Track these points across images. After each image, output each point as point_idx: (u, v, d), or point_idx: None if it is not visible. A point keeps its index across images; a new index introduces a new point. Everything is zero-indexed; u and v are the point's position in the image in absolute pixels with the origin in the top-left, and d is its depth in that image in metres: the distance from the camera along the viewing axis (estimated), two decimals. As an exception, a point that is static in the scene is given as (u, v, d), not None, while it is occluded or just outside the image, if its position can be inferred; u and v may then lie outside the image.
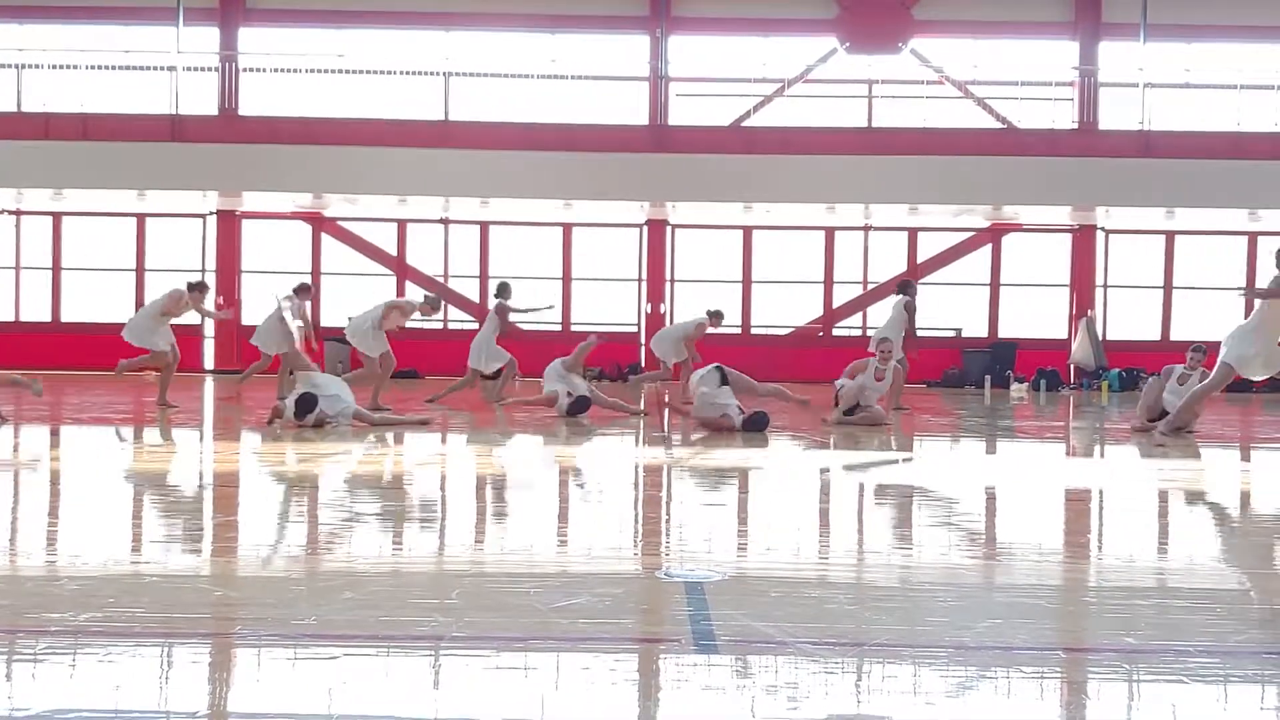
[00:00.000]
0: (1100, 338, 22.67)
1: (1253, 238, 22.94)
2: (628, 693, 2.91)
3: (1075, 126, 22.44)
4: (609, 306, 23.28)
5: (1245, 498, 7.33)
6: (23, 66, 22.49)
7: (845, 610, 3.77)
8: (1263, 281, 11.02)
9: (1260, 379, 10.51)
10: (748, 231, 23.40)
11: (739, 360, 21.96)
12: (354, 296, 23.31)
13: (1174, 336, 22.37)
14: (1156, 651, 3.35)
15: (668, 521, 5.81)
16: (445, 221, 23.42)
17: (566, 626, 3.48)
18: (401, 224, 23.37)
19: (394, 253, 23.44)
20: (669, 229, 23.27)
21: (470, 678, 3.03)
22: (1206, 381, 10.57)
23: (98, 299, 23.15)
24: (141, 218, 23.30)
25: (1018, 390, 21.09)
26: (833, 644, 3.29)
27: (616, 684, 2.97)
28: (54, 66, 22.25)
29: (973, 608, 3.85)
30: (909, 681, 3.01)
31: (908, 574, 4.54)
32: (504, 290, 15.75)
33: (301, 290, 15.93)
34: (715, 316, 16.11)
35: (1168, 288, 22.89)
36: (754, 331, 23.48)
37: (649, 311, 21.40)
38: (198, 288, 14.33)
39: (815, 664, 3.09)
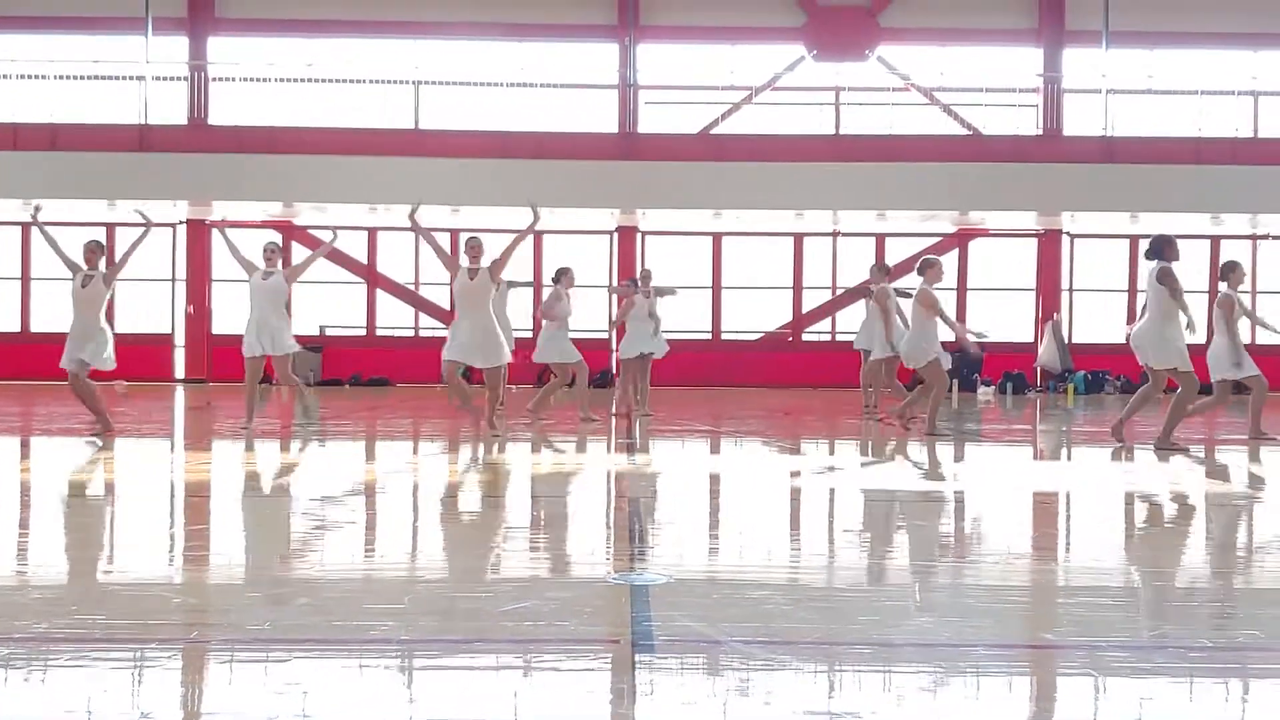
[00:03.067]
0: (1066, 341, 22.93)
1: (1215, 241, 23.25)
2: (566, 692, 3.04)
3: (1040, 133, 22.72)
4: (581, 314, 23.37)
5: (1198, 499, 7.51)
6: (-9, 76, 22.46)
7: (781, 610, 3.91)
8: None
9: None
10: (717, 238, 23.58)
11: (709, 365, 22.25)
12: (325, 305, 23.43)
13: (1138, 339, 22.66)
14: (1071, 647, 3.51)
15: (621, 527, 5.94)
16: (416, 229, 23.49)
17: (512, 629, 3.61)
18: (372, 232, 23.45)
19: (364, 261, 23.51)
20: (640, 235, 23.41)
21: (413, 680, 3.16)
22: (1180, 392, 10.47)
23: (68, 309, 23.12)
24: (111, 227, 23.26)
25: (985, 393, 21.33)
26: (764, 642, 3.43)
27: (556, 684, 3.10)
28: (22, 76, 22.24)
29: (905, 608, 4.00)
30: (833, 677, 3.15)
31: (849, 575, 4.69)
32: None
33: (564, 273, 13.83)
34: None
35: (1132, 291, 23.14)
36: (724, 337, 23.65)
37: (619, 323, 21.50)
38: (564, 273, 13.10)
39: (746, 661, 3.23)
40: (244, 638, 3.55)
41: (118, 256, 11.61)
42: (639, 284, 14.67)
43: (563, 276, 13.58)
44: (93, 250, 11.09)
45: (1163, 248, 10.14)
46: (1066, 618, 3.88)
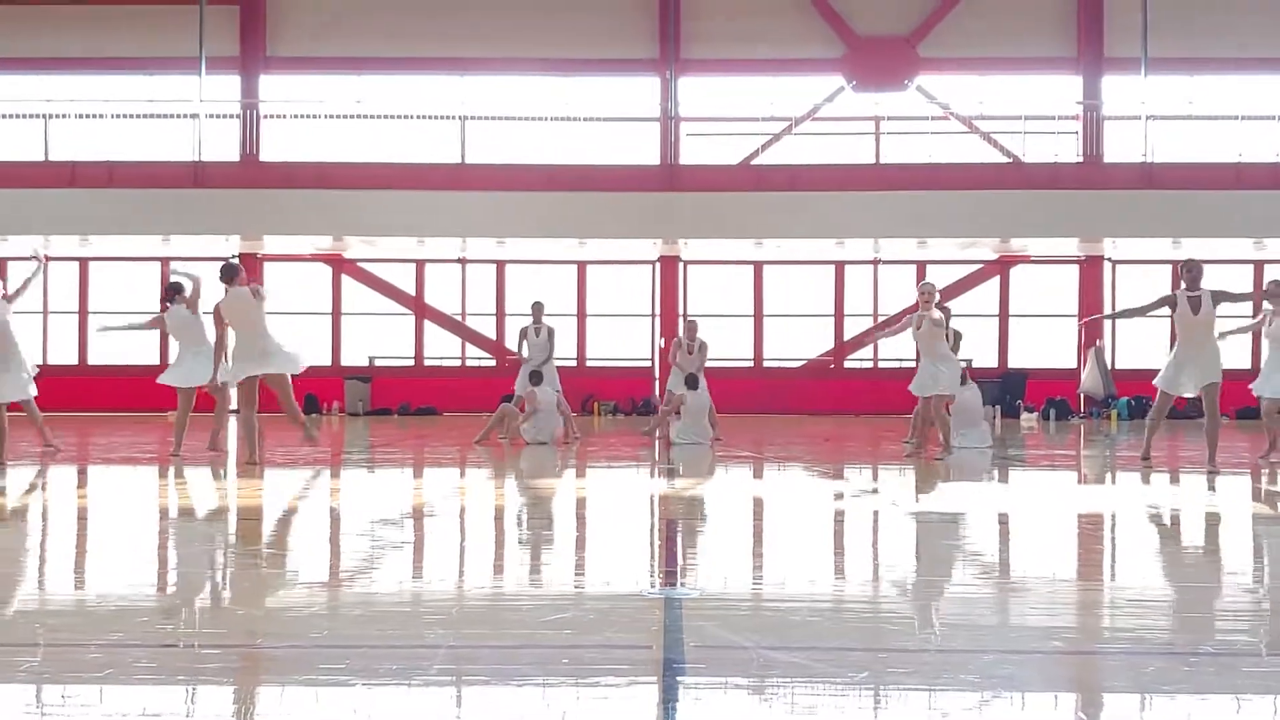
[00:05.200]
0: (1109, 367, 22.91)
1: (1259, 266, 23.19)
2: (601, 694, 3.27)
3: (1080, 159, 22.80)
4: (623, 342, 23.70)
5: (1207, 521, 7.64)
6: (50, 117, 23.15)
7: (806, 621, 4.13)
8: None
9: (1192, 394, 10.83)
10: (759, 266, 23.81)
11: (751, 392, 22.43)
12: (373, 336, 23.89)
13: (1182, 364, 22.59)
14: (1070, 653, 3.70)
15: (659, 546, 6.17)
16: (462, 261, 23.91)
17: (552, 637, 3.85)
18: (420, 264, 23.88)
19: (412, 292, 23.93)
20: (681, 265, 23.69)
21: (461, 682, 3.40)
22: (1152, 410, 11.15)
23: (123, 342, 23.70)
24: (165, 261, 23.85)
25: (1028, 420, 21.37)
26: (787, 648, 3.65)
27: (592, 688, 3.33)
28: (80, 116, 22.92)
29: (920, 619, 4.20)
30: (849, 681, 3.37)
31: (873, 590, 4.89)
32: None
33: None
34: None
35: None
36: (766, 364, 23.84)
37: (662, 346, 21.77)
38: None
39: (769, 666, 3.45)
40: (305, 643, 3.82)
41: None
42: (689, 333, 15.36)
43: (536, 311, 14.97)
44: None
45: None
46: (1077, 627, 4.07)
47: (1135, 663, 3.58)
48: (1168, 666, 3.54)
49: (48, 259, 11.81)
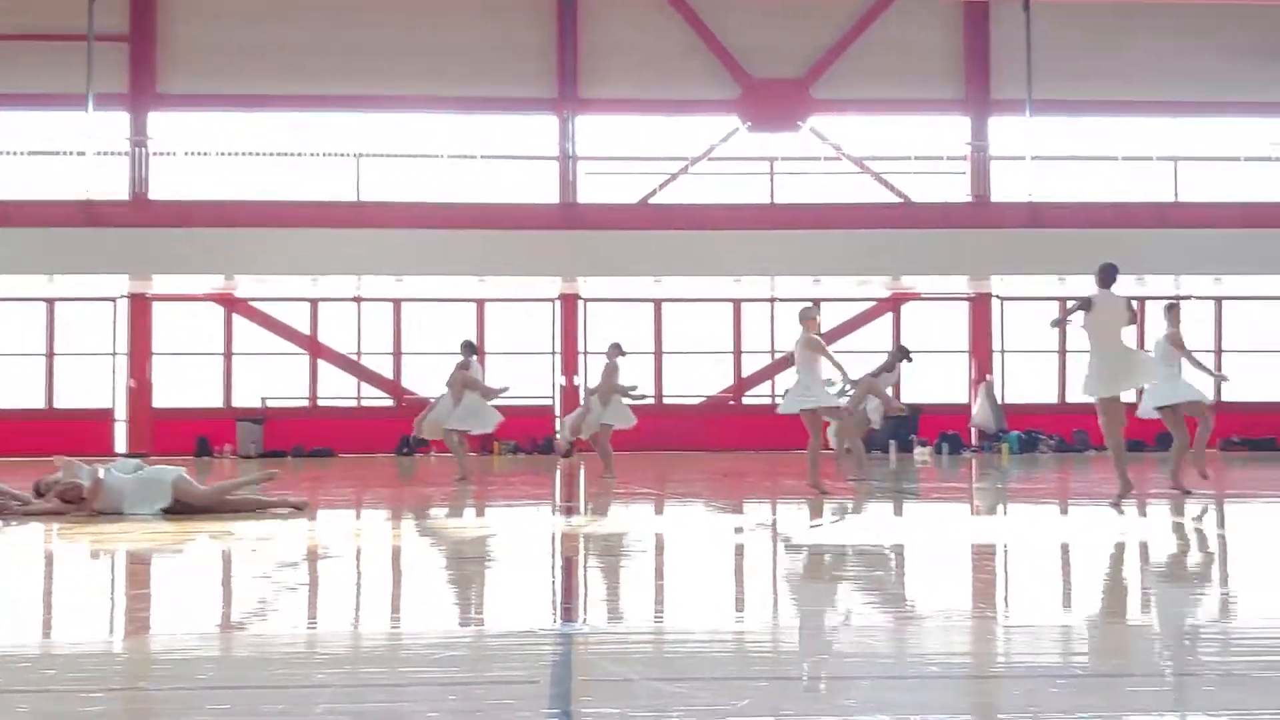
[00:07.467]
0: (1000, 401, 23.44)
1: (1141, 303, 23.94)
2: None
3: (969, 199, 23.41)
4: (524, 380, 23.62)
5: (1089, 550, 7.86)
6: (-69, 153, 22.51)
7: (697, 652, 4.18)
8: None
9: (1109, 395, 10.38)
10: (658, 304, 23.98)
11: (651, 429, 22.50)
12: (267, 376, 23.52)
13: (1069, 399, 23.21)
14: (953, 678, 3.80)
15: (556, 583, 6.19)
16: (358, 299, 23.70)
17: (441, 675, 3.85)
18: (314, 303, 23.60)
19: (307, 332, 23.63)
20: (581, 303, 23.76)
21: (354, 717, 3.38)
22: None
23: (4, 384, 23.05)
24: (51, 302, 23.28)
25: (921, 454, 21.75)
26: (671, 679, 3.69)
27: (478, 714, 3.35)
28: (-37, 154, 22.33)
29: (807, 647, 4.28)
30: (730, 705, 3.41)
31: (769, 621, 4.96)
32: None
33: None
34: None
35: (1062, 352, 23.75)
36: (666, 401, 23.94)
37: (564, 384, 21.81)
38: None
39: (655, 696, 3.49)
40: (190, 686, 3.76)
41: None
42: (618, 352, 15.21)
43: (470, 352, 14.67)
44: None
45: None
46: (974, 651, 4.17)
47: (1017, 685, 3.68)
48: (1048, 688, 3.64)
49: None
